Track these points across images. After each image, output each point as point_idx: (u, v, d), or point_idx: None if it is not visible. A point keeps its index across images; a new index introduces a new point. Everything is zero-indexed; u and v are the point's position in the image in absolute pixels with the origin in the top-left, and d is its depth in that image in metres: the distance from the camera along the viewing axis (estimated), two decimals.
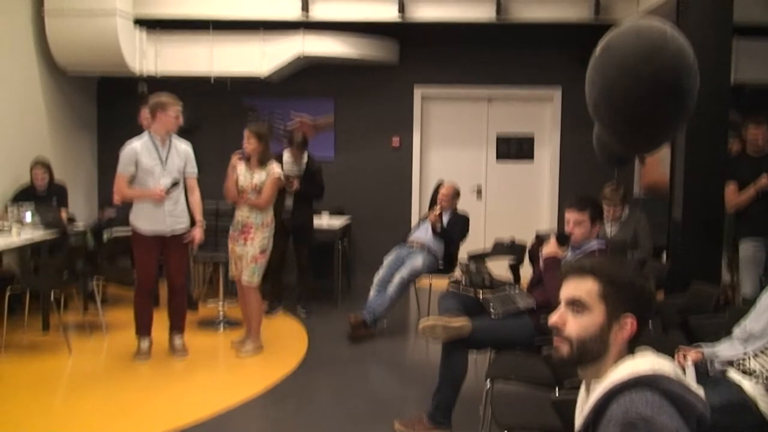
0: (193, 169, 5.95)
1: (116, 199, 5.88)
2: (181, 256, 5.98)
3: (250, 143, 6.00)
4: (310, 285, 7.55)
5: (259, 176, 6.00)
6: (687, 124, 5.21)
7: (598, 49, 3.38)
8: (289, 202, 7.11)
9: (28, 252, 6.82)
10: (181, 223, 5.86)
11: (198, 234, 5.92)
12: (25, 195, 7.25)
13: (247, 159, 6.04)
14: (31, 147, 7.86)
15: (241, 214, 6.04)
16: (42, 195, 7.29)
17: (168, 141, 5.78)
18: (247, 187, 6.01)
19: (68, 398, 5.11)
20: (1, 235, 6.26)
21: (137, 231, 5.76)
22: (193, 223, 5.96)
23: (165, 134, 5.74)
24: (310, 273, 7.52)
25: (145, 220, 5.73)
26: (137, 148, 5.67)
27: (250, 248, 5.99)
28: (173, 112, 5.72)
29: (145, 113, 6.49)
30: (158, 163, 5.69)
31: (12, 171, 7.51)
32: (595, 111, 3.44)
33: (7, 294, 6.14)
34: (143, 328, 5.94)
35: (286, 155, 7.17)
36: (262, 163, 6.03)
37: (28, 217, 6.75)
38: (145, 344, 5.93)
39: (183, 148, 5.90)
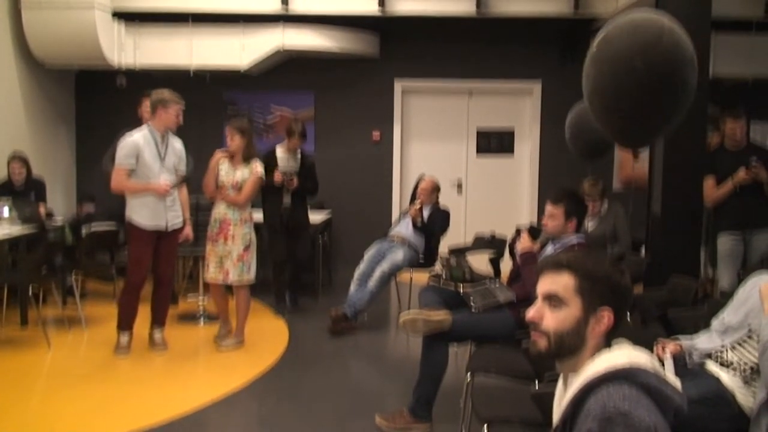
0: (184, 167, 5.94)
1: (114, 190, 5.71)
2: (173, 249, 5.95)
3: (234, 140, 5.97)
4: (302, 280, 7.48)
5: (242, 173, 5.97)
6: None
7: (594, 44, 3.40)
8: (287, 199, 6.99)
9: (6, 247, 6.77)
10: (178, 218, 5.85)
11: (189, 232, 5.93)
12: (2, 190, 7.18)
13: (231, 156, 6.02)
14: (8, 141, 7.79)
15: (219, 212, 5.99)
16: (20, 190, 7.23)
17: (166, 138, 5.76)
18: (227, 183, 5.96)
19: (47, 393, 5.08)
20: None
21: (137, 226, 5.67)
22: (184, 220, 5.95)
23: (164, 131, 5.71)
24: (303, 269, 7.45)
25: (147, 215, 5.67)
26: (140, 141, 5.60)
27: (233, 247, 5.94)
28: (174, 110, 5.68)
29: (146, 106, 6.44)
30: (157, 158, 5.66)
31: None
32: (591, 104, 3.45)
33: None
34: (126, 323, 5.87)
35: (280, 151, 7.03)
36: (246, 159, 6.01)
37: (6, 212, 6.70)
38: (125, 338, 5.87)
39: (178, 146, 5.89)
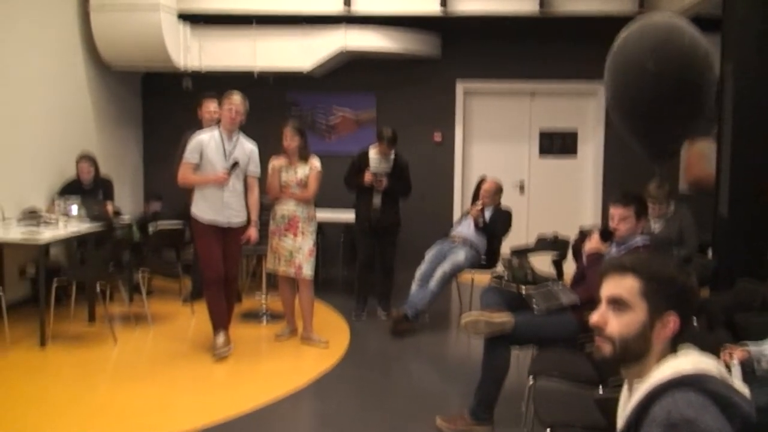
0: (255, 168, 6.02)
1: (180, 183, 5.89)
2: (236, 248, 6.00)
3: (293, 140, 6.10)
4: (393, 286, 7.29)
5: (303, 171, 6.12)
6: (734, 119, 5.13)
7: (610, 52, 3.35)
8: (377, 200, 6.93)
9: (75, 244, 6.93)
10: (238, 217, 5.91)
11: (253, 234, 5.97)
12: (71, 188, 7.38)
13: (285, 155, 6.15)
14: (77, 141, 7.98)
15: (287, 209, 6.13)
16: (88, 188, 7.41)
17: (235, 138, 5.86)
18: (291, 182, 6.11)
19: (113, 388, 5.18)
20: (48, 228, 6.38)
21: (198, 220, 5.82)
22: (249, 221, 6.01)
23: (229, 128, 5.82)
24: (394, 274, 7.25)
25: (206, 209, 5.79)
26: (204, 139, 5.80)
27: (303, 242, 6.10)
28: (226, 105, 5.81)
29: (206, 107, 6.71)
30: (222, 156, 5.77)
31: (59, 165, 7.63)
32: (612, 113, 3.41)
33: (54, 285, 6.24)
34: (218, 322, 5.90)
35: (373, 152, 6.97)
36: (303, 158, 6.13)
37: (75, 210, 6.86)
38: (221, 338, 5.86)
39: (249, 147, 5.98)
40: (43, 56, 7.49)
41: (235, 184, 5.86)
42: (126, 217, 7.67)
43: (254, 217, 6.00)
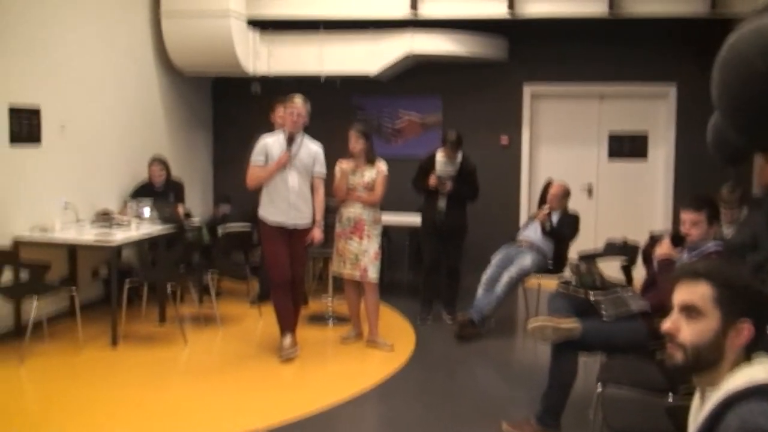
0: (321, 169, 6.06)
1: (249, 185, 6.02)
2: (302, 250, 6.07)
3: (358, 143, 6.16)
4: (458, 291, 7.24)
5: (370, 174, 6.17)
6: None
7: (723, 49, 3.28)
8: (442, 203, 6.92)
9: (146, 246, 7.08)
10: (304, 218, 5.96)
11: (317, 234, 5.99)
12: (143, 191, 7.54)
13: (351, 158, 6.22)
14: (149, 145, 8.17)
15: (353, 211, 6.18)
16: (160, 191, 7.56)
17: (299, 139, 5.93)
18: (358, 185, 6.16)
19: (182, 387, 5.29)
20: (120, 230, 6.54)
21: (264, 221, 5.92)
22: (314, 222, 6.06)
23: (292, 130, 5.90)
24: (460, 278, 7.21)
25: (272, 211, 5.88)
26: (269, 141, 5.91)
27: (369, 245, 6.15)
28: (288, 108, 5.91)
29: (279, 111, 6.80)
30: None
31: (131, 168, 7.82)
32: (719, 108, 3.34)
33: (126, 286, 6.39)
34: (285, 325, 5.97)
35: (440, 155, 6.96)
36: (370, 161, 6.18)
37: (147, 212, 7.02)
38: (287, 340, 5.92)
39: (314, 148, 6.04)
40: (116, 62, 7.69)
41: (301, 185, 5.92)
42: (196, 220, 7.80)
43: (319, 217, 6.03)
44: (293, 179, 5.85)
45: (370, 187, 6.18)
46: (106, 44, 7.50)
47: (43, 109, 6.56)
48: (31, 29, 6.37)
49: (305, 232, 5.98)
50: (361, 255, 6.14)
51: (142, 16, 8.17)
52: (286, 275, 5.87)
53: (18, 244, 6.16)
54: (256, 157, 5.90)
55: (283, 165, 5.82)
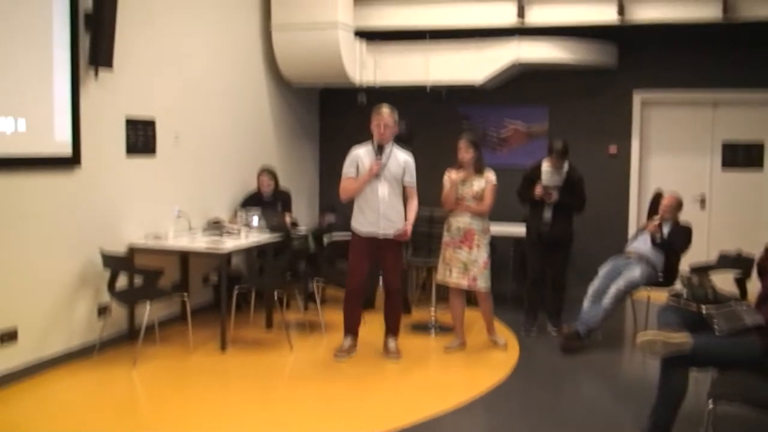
0: (411, 179, 6.11)
1: (342, 198, 6.19)
2: (395, 258, 6.14)
3: (468, 152, 6.18)
4: (564, 302, 7.11)
5: (479, 184, 6.19)
6: None
7: None
8: (547, 213, 6.83)
9: (255, 254, 7.24)
10: (394, 228, 6.01)
11: (407, 228, 6.02)
12: (252, 200, 7.73)
13: (460, 167, 6.23)
14: (258, 155, 8.37)
15: (462, 221, 6.22)
16: (268, 200, 7.73)
17: (388, 149, 5.99)
18: (467, 195, 6.19)
19: (288, 392, 5.39)
20: (230, 238, 6.71)
21: (354, 231, 6.08)
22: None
23: (380, 141, 5.96)
24: (565, 290, 7.09)
25: (363, 222, 6.01)
26: (360, 152, 6.03)
27: (479, 254, 6.20)
28: (375, 120, 5.99)
29: None
30: None
31: (241, 177, 8.03)
32: None
33: (235, 293, 6.57)
34: (347, 327, 6.23)
35: (545, 165, 6.87)
36: (479, 171, 6.19)
37: (255, 221, 7.18)
38: (346, 342, 6.20)
39: (403, 158, 6.09)
40: (228, 74, 7.93)
41: (391, 195, 5.97)
42: (302, 228, 7.92)
43: (410, 218, 6.07)
44: (383, 189, 5.93)
45: (478, 197, 6.20)
46: (218, 57, 7.74)
47: (158, 121, 6.82)
48: (146, 45, 6.63)
49: (397, 241, 6.05)
50: (471, 264, 6.18)
51: (253, 28, 8.40)
52: (359, 284, 6.12)
53: (133, 251, 6.41)
54: (348, 169, 6.05)
55: (374, 174, 5.90)
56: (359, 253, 6.06)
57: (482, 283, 6.22)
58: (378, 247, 6.01)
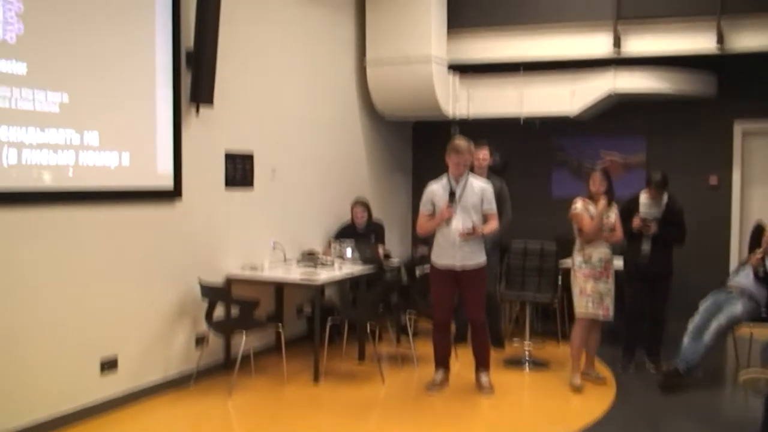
0: (489, 205, 6.07)
1: (419, 233, 6.31)
2: (476, 291, 6.09)
3: (602, 184, 6.28)
4: (663, 338, 6.91)
5: (612, 214, 6.31)
6: None
7: None
8: (646, 246, 6.70)
9: (348, 285, 7.30)
10: (472, 259, 5.99)
11: (479, 230, 5.92)
12: (346, 232, 7.81)
13: (590, 198, 6.31)
14: (352, 187, 8.48)
15: (603, 251, 6.28)
16: (361, 232, 7.80)
17: (463, 181, 6.00)
18: (604, 226, 6.25)
19: (380, 425, 5.42)
20: (324, 269, 6.79)
21: (433, 265, 6.12)
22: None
23: (455, 175, 6.02)
24: (665, 325, 6.91)
25: (440, 255, 6.04)
26: (435, 188, 6.10)
27: (612, 284, 6.30)
28: (453, 159, 6.01)
29: (476, 154, 6.90)
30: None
31: (335, 209, 8.14)
32: None
33: (329, 324, 6.62)
34: (437, 360, 6.27)
35: (643, 197, 6.79)
36: (610, 202, 6.27)
37: (349, 252, 7.25)
38: (437, 375, 6.23)
39: (479, 186, 6.08)
40: (323, 108, 8.09)
41: (466, 226, 5.91)
42: (395, 260, 7.97)
43: (485, 231, 6.00)
44: (457, 221, 5.91)
45: (611, 228, 6.29)
46: (314, 92, 7.90)
47: (256, 155, 6.98)
48: (245, 82, 6.83)
49: (477, 272, 6.02)
50: (605, 294, 6.24)
51: (347, 64, 8.55)
52: (446, 317, 6.19)
53: (230, 282, 6.55)
54: (424, 206, 6.12)
55: (446, 219, 5.92)
56: (440, 285, 6.10)
57: (612, 312, 6.28)
58: (458, 279, 6.00)
